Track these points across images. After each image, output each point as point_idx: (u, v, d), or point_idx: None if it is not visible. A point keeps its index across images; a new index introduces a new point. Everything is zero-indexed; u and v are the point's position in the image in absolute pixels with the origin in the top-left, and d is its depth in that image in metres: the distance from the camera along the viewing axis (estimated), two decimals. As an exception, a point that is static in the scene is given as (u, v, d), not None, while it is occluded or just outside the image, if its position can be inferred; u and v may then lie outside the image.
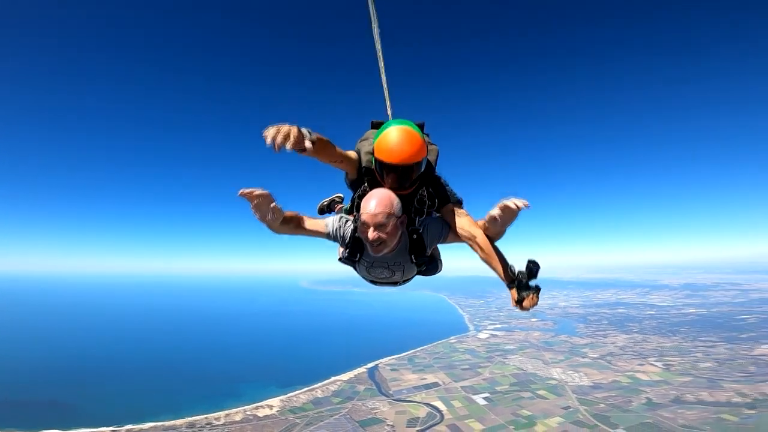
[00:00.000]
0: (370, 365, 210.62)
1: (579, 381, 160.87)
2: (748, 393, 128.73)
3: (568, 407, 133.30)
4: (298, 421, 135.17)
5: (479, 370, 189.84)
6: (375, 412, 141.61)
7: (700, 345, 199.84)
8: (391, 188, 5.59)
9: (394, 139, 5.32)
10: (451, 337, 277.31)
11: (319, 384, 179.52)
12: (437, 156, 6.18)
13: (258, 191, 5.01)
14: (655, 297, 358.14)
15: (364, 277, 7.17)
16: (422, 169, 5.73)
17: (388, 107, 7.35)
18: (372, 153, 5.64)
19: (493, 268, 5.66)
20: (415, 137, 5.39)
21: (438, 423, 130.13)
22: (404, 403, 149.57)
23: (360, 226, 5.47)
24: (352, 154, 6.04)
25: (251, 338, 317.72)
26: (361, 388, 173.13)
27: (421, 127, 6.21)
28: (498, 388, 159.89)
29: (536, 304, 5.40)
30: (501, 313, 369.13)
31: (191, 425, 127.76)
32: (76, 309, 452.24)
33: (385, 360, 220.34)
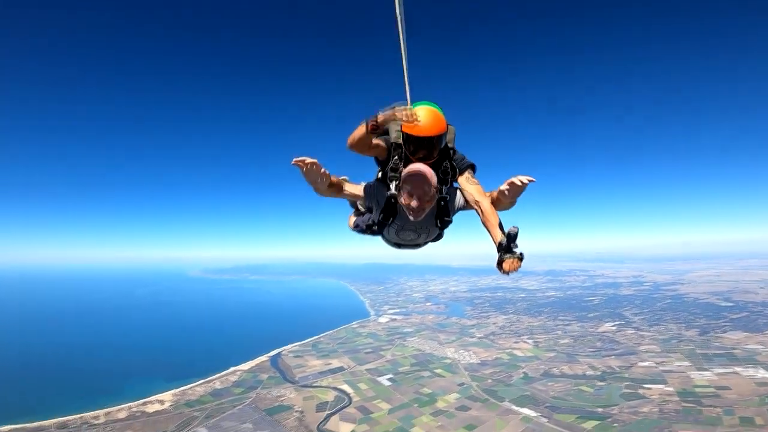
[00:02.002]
0: (272, 353, 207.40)
1: (469, 359, 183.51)
2: (597, 366, 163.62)
3: (463, 384, 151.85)
4: (196, 414, 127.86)
5: (382, 352, 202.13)
6: (282, 399, 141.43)
7: (559, 323, 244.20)
8: (420, 160, 6.78)
9: (422, 115, 6.59)
10: (353, 322, 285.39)
11: (217, 375, 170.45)
12: (454, 135, 7.25)
13: (309, 159, 6.33)
14: (525, 282, 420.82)
15: (388, 240, 8.18)
16: (444, 143, 7.02)
17: (408, 93, 7.88)
18: (401, 130, 6.78)
19: (489, 232, 6.62)
20: (437, 114, 6.80)
21: (347, 405, 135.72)
22: (311, 389, 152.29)
23: (404, 195, 6.56)
24: (380, 141, 7.21)
25: (132, 332, 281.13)
26: (265, 376, 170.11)
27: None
28: (400, 369, 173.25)
29: (516, 269, 6.02)
30: (399, 298, 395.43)
31: (62, 425, 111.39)
32: None
33: (288, 347, 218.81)
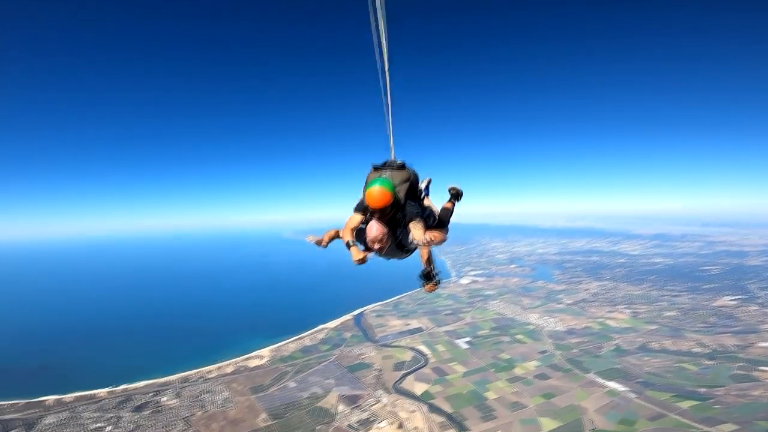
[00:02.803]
0: (356, 312, 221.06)
1: (554, 326, 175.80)
2: (707, 344, 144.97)
3: (545, 351, 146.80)
4: (288, 369, 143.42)
5: (461, 315, 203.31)
6: (363, 358, 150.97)
7: (666, 294, 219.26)
8: (379, 216, 9.75)
9: (372, 194, 9.38)
10: None
11: (307, 333, 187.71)
12: (417, 177, 10.80)
13: (324, 241, 10.50)
14: (627, 246, 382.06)
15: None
16: (390, 209, 9.68)
17: (392, 150, 11.15)
18: (361, 205, 10.24)
19: (421, 261, 10.93)
20: (383, 193, 9.32)
21: (423, 366, 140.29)
22: (390, 348, 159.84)
23: (367, 243, 9.86)
24: (355, 219, 10.41)
25: (236, 291, 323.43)
26: (348, 334, 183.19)
27: (402, 165, 10.57)
28: (479, 333, 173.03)
29: (432, 290, 11.01)
30: (481, 260, 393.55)
31: (185, 380, 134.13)
32: (58, 272, 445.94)
33: (371, 307, 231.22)
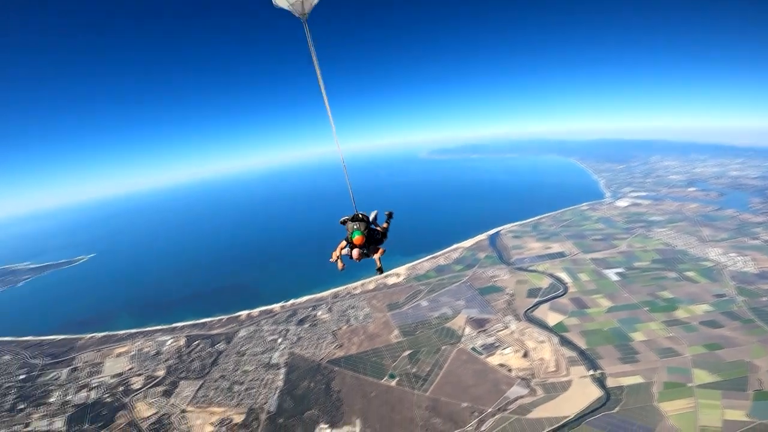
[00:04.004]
0: (491, 232, 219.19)
1: (742, 266, 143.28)
2: None
3: (722, 295, 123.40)
4: (422, 287, 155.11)
5: (615, 242, 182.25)
6: (495, 280, 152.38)
7: None
8: (357, 247, 20.07)
9: (356, 239, 19.77)
10: (583, 204, 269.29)
11: (442, 252, 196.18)
12: (368, 220, 21.65)
13: (335, 259, 20.69)
14: None
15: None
16: (365, 244, 20.36)
17: (353, 204, 23.26)
18: (348, 237, 20.27)
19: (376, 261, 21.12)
20: (360, 237, 20.00)
21: (561, 295, 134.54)
22: (526, 273, 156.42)
23: (352, 257, 20.06)
24: (343, 245, 20.88)
25: (376, 209, 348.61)
26: (482, 255, 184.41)
27: (363, 217, 21.29)
28: (636, 264, 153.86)
29: (360, 258, 20.41)
30: (647, 180, 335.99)
31: (335, 296, 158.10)
32: (240, 207, 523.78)
33: (508, 226, 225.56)
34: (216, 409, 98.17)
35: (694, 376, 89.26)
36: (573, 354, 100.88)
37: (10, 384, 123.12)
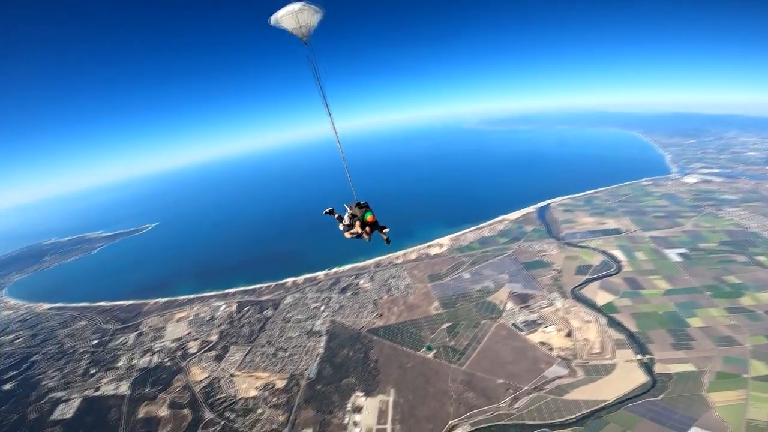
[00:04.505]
0: (540, 204, 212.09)
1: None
2: None
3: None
4: (464, 259, 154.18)
5: (679, 220, 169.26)
6: (542, 255, 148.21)
7: None
8: (369, 224, 23.90)
9: (369, 217, 23.77)
10: (644, 179, 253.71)
11: (487, 223, 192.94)
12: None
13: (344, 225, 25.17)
14: None
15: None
16: (375, 221, 24.26)
17: (353, 192, 28.33)
18: (360, 218, 24.01)
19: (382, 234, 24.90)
20: (372, 217, 24.11)
21: (613, 274, 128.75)
22: (576, 248, 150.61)
23: (360, 233, 23.73)
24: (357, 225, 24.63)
25: (419, 180, 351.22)
26: (530, 228, 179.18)
27: (366, 204, 24.86)
28: (701, 245, 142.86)
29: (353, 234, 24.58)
30: (721, 156, 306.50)
31: (378, 265, 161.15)
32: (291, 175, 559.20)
33: (558, 200, 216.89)
34: (261, 374, 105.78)
35: (751, 368, 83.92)
36: (621, 336, 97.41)
37: (85, 349, 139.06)
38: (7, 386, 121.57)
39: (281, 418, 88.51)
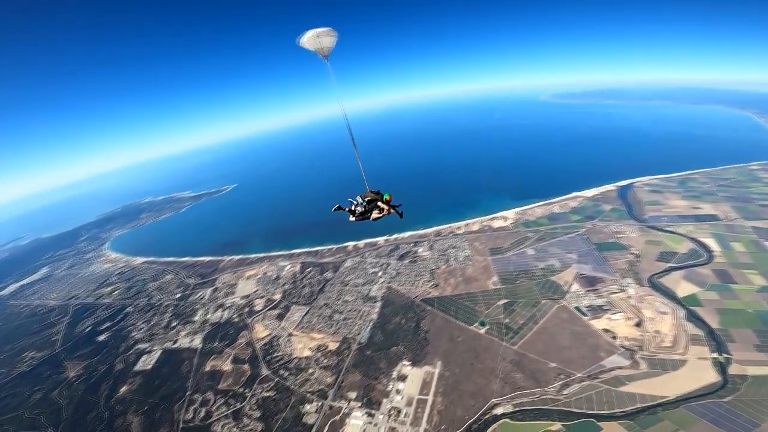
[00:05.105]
0: (622, 183, 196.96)
1: None
2: None
3: None
4: (530, 234, 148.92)
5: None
6: (619, 237, 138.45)
7: None
8: (388, 203, 28.34)
9: (389, 197, 28.02)
10: (753, 163, 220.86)
11: (558, 199, 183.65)
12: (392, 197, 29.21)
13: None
14: None
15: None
16: (391, 203, 28.34)
17: (365, 182, 30.84)
18: (382, 199, 28.01)
19: (396, 211, 28.51)
20: (390, 196, 28.15)
21: (702, 264, 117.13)
22: (660, 233, 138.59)
23: (383, 211, 28.02)
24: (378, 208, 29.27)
25: (488, 150, 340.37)
26: (607, 207, 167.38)
27: (379, 191, 28.85)
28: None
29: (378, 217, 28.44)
30: None
31: (438, 234, 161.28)
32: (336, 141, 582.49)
33: (645, 179, 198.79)
34: (316, 335, 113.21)
35: None
36: (698, 332, 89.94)
37: (169, 302, 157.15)
38: (102, 337, 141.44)
39: (329, 380, 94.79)
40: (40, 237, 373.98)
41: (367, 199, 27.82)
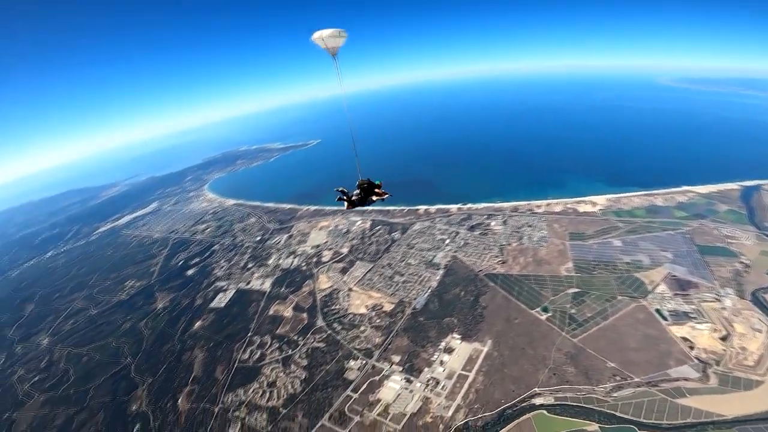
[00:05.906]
0: (748, 183, 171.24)
1: None
2: None
3: None
4: (620, 225, 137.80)
5: None
6: (730, 242, 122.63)
7: None
8: (379, 189, 30.84)
9: (380, 184, 30.29)
10: None
11: (663, 191, 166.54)
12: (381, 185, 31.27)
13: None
14: None
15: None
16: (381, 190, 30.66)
17: (359, 171, 33.62)
18: (373, 185, 30.44)
19: (380, 197, 30.45)
20: (380, 183, 30.52)
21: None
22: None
23: (374, 196, 30.15)
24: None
25: (588, 130, 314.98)
26: (723, 208, 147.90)
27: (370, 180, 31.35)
28: None
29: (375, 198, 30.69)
30: None
31: (515, 210, 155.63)
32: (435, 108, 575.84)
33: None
34: (374, 293, 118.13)
35: None
36: (794, 357, 78.68)
37: (250, 244, 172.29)
38: (191, 271, 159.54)
39: (378, 340, 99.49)
40: (154, 176, 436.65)
41: (363, 186, 29.93)
